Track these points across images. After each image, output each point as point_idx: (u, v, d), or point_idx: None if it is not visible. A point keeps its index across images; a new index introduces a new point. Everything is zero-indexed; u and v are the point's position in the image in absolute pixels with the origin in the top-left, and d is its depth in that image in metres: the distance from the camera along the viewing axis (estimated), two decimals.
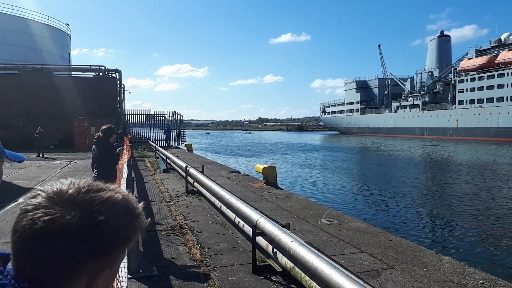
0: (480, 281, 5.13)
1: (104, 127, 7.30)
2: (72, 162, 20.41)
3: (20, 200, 1.11)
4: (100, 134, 7.21)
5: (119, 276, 2.84)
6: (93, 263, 0.75)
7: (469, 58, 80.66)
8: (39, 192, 0.78)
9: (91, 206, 0.75)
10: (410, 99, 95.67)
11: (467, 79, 77.69)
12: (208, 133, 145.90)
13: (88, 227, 0.73)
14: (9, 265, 0.75)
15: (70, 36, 51.22)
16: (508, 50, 71.09)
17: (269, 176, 13.49)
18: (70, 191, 0.77)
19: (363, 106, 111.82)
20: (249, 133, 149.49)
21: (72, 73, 35.79)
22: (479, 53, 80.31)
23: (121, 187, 0.85)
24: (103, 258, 0.76)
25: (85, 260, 0.74)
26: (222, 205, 8.10)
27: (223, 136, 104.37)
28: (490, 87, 71.78)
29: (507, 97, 68.14)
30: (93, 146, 7.22)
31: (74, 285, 0.75)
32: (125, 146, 10.10)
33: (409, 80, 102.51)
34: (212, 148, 56.61)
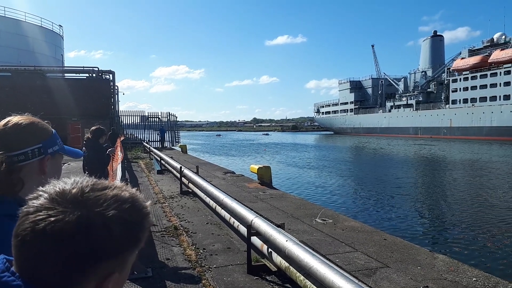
0: (473, 279, 5.16)
1: (93, 128, 7.30)
2: (65, 164, 20.30)
3: None
4: (90, 136, 7.19)
5: None
6: (101, 266, 0.71)
7: (462, 58, 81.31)
8: (41, 193, 0.74)
9: (96, 205, 0.71)
10: (404, 98, 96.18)
11: (460, 79, 78.27)
12: (219, 135, 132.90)
13: (94, 228, 0.69)
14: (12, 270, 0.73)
15: (63, 38, 50.95)
16: (501, 50, 71.75)
17: (264, 176, 13.50)
18: (74, 190, 0.73)
19: (357, 106, 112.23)
20: (267, 134, 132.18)
21: (66, 74, 35.61)
22: (472, 52, 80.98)
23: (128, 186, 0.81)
24: (112, 261, 0.72)
25: (93, 263, 0.70)
26: (217, 206, 8.09)
27: (235, 138, 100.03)
28: (483, 87, 72.37)
29: (499, 96, 68.75)
30: (83, 147, 7.19)
31: None
32: (116, 147, 10.05)
33: (402, 80, 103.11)
34: (206, 149, 56.53)
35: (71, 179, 0.78)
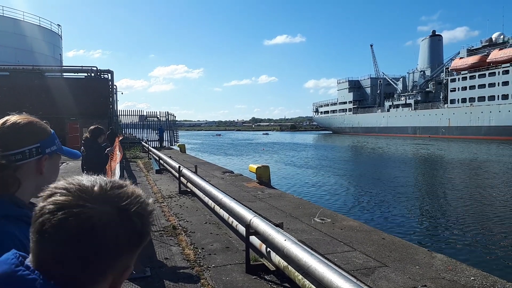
0: (471, 278, 5.17)
1: (92, 127, 7.28)
2: (64, 164, 20.26)
3: None
4: (88, 135, 7.19)
5: None
6: (123, 260, 0.76)
7: (461, 58, 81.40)
8: (56, 190, 0.76)
9: (121, 201, 0.76)
10: (403, 98, 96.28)
11: (458, 78, 78.38)
12: (219, 134, 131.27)
13: (122, 222, 0.74)
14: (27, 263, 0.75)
15: (61, 37, 50.84)
16: (499, 49, 71.86)
17: (263, 175, 13.50)
18: (96, 188, 0.76)
19: (355, 106, 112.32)
20: (266, 134, 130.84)
21: (64, 74, 35.54)
22: (471, 52, 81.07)
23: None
24: (132, 254, 0.77)
25: (118, 256, 0.74)
26: (216, 205, 8.08)
27: (234, 138, 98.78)
28: (482, 86, 72.47)
29: (498, 95, 68.86)
30: (82, 147, 7.18)
31: (103, 283, 0.75)
32: (115, 147, 10.03)
33: (401, 79, 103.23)
34: (205, 148, 56.52)
35: (83, 176, 0.81)
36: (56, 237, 0.71)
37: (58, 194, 0.74)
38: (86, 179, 0.78)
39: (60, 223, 0.71)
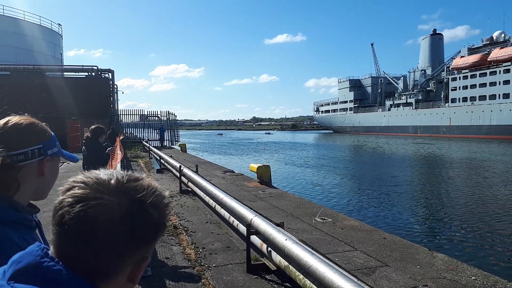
0: (472, 277, 5.17)
1: (92, 127, 7.29)
2: (65, 163, 20.25)
3: None
4: (89, 134, 7.19)
5: None
6: (141, 251, 0.77)
7: (462, 56, 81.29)
8: (74, 184, 0.77)
9: (138, 194, 0.77)
10: (403, 97, 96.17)
11: (459, 77, 78.25)
12: (221, 134, 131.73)
13: (139, 214, 0.75)
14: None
15: (62, 36, 50.85)
16: (500, 48, 71.75)
17: (263, 175, 13.49)
18: (113, 181, 0.78)
19: (356, 105, 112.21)
20: (269, 133, 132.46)
21: (65, 73, 35.55)
22: (472, 51, 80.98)
23: None
24: (150, 245, 0.79)
25: (136, 247, 0.76)
26: (217, 205, 8.07)
27: (235, 137, 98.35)
28: (483, 85, 72.38)
29: (499, 94, 68.77)
30: (83, 147, 7.19)
31: (122, 273, 0.77)
32: (116, 146, 10.05)
33: (402, 78, 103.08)
34: (206, 148, 56.52)
35: (100, 170, 0.83)
36: (76, 229, 0.72)
37: (77, 188, 0.76)
38: (103, 173, 0.80)
39: (79, 215, 0.72)
